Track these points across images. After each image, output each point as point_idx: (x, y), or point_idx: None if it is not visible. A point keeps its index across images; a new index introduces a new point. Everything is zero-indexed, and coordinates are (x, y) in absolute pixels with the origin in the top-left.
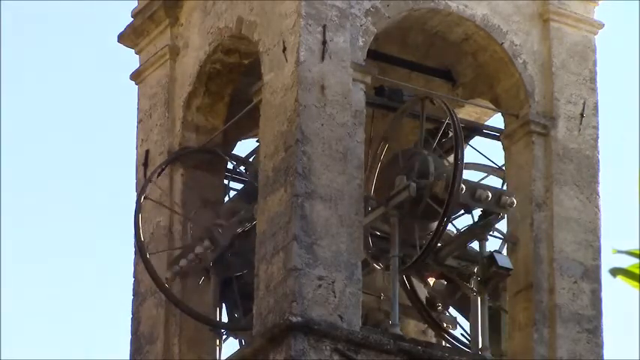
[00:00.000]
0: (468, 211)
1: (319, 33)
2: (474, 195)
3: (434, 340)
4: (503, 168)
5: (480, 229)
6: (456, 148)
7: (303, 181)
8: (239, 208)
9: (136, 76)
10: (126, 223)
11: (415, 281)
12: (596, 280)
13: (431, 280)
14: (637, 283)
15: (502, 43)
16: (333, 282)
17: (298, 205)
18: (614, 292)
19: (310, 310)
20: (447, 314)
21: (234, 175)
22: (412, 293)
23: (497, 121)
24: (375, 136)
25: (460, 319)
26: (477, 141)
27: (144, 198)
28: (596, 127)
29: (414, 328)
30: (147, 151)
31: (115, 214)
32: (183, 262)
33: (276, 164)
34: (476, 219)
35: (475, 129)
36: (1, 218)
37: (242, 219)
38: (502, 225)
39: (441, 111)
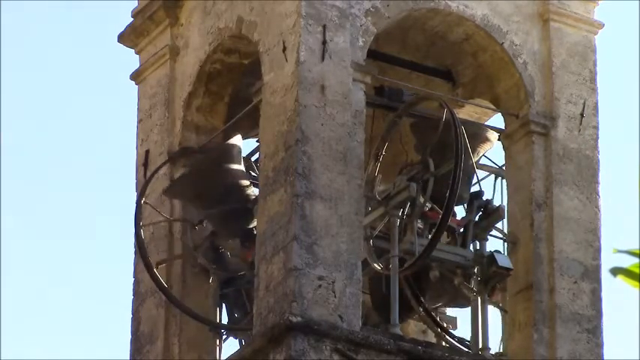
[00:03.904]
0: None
1: (319, 33)
2: None
3: (434, 340)
4: (504, 168)
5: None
6: (457, 148)
7: (303, 181)
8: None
9: (135, 76)
10: (126, 223)
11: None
12: (596, 280)
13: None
14: (637, 283)
15: (502, 43)
16: (333, 282)
17: (298, 205)
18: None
19: (310, 310)
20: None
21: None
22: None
23: (497, 121)
24: (375, 135)
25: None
26: None
27: (144, 199)
28: (596, 127)
29: (413, 328)
30: (147, 151)
31: (115, 214)
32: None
33: (276, 164)
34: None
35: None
36: (1, 219)
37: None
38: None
39: (441, 111)
